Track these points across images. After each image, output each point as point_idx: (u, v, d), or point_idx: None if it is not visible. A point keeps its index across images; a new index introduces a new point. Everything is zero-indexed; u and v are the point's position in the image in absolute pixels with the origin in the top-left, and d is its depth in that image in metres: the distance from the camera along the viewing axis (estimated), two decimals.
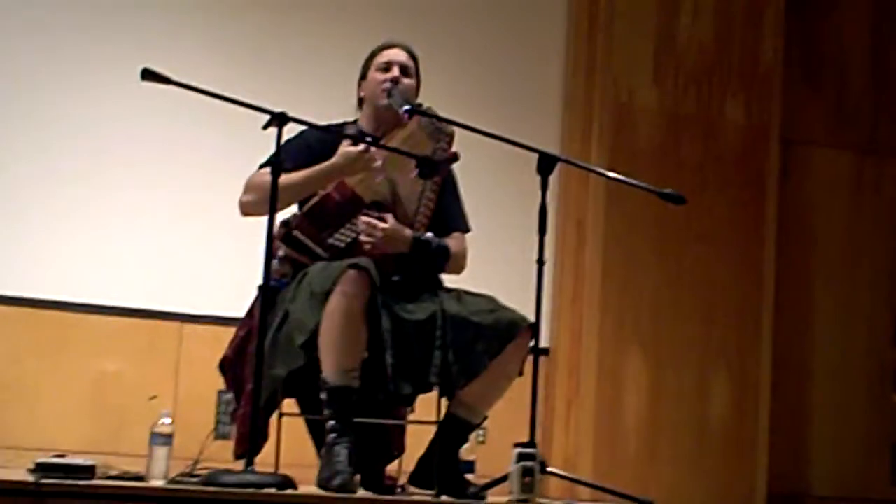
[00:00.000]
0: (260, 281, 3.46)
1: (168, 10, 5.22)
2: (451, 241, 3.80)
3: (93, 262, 4.98)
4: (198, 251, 5.08)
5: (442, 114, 3.72)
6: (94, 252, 4.99)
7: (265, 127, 3.43)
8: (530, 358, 3.60)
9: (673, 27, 5.75)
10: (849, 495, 5.84)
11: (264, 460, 3.43)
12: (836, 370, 5.93)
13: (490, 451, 4.54)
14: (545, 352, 5.31)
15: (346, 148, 3.64)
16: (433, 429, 3.66)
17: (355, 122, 3.88)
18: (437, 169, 3.66)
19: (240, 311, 3.77)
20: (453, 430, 3.62)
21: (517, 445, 3.46)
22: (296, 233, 3.64)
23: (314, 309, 3.41)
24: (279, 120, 3.41)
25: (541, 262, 3.61)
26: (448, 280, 3.80)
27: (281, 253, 3.64)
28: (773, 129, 5.85)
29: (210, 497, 3.03)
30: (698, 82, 5.77)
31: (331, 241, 3.64)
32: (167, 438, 3.38)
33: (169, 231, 5.08)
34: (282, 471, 3.40)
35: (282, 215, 3.61)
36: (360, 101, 3.89)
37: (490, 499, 3.60)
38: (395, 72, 3.80)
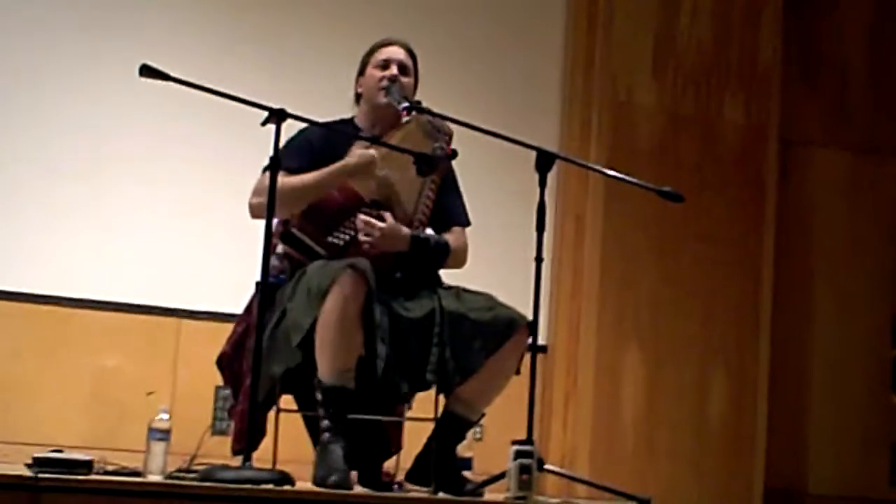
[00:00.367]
0: (258, 277, 3.47)
1: (167, 8, 5.22)
2: (451, 237, 3.80)
3: (92, 258, 4.98)
4: (196, 247, 5.08)
5: (441, 112, 3.72)
6: (92, 248, 4.99)
7: (264, 123, 3.43)
8: (528, 356, 3.60)
9: (672, 26, 5.76)
10: (847, 494, 5.84)
11: (262, 456, 3.44)
12: (835, 368, 5.93)
13: (487, 449, 4.54)
14: (543, 349, 5.31)
15: (362, 150, 3.64)
16: (431, 426, 3.67)
17: (352, 119, 3.88)
18: (436, 167, 3.66)
19: (238, 308, 3.78)
20: (451, 427, 3.63)
21: (515, 443, 3.46)
22: (294, 231, 3.64)
23: (311, 308, 3.41)
24: (278, 116, 3.41)
25: (539, 259, 3.61)
26: (447, 277, 3.80)
27: (279, 250, 3.65)
28: (772, 128, 5.86)
29: (208, 493, 3.03)
30: (697, 82, 5.77)
31: (329, 239, 3.64)
32: (165, 434, 3.38)
33: (167, 227, 5.08)
34: (279, 467, 3.41)
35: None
36: (358, 98, 3.88)
37: (487, 496, 3.60)
38: (394, 69, 3.80)
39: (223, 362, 3.71)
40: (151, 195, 5.07)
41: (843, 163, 6.11)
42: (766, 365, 5.68)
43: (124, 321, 4.98)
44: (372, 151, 3.63)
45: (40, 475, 2.92)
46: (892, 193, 6.15)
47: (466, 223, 3.89)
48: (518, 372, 3.62)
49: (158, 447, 3.37)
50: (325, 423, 3.40)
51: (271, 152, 3.42)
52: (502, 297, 3.68)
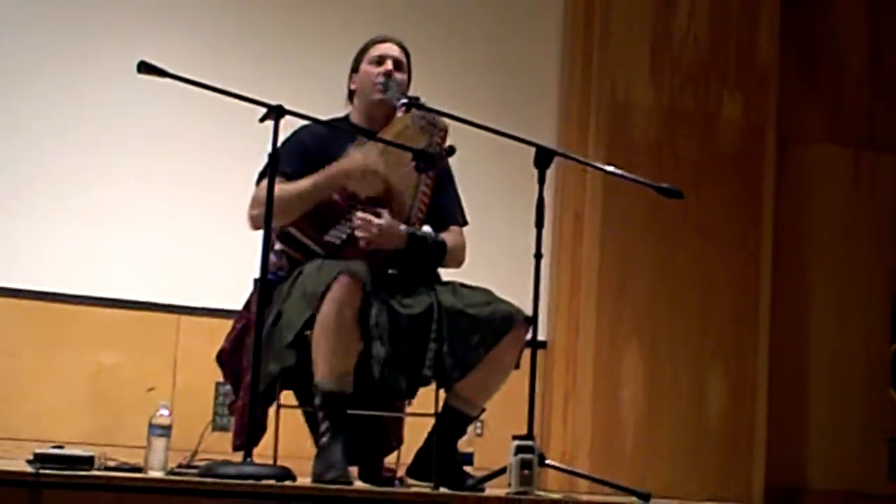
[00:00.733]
0: (257, 274, 3.47)
1: (164, 4, 5.22)
2: (448, 236, 3.80)
3: (91, 255, 4.98)
4: (195, 244, 5.08)
5: (439, 108, 3.72)
6: (91, 245, 4.99)
7: (262, 120, 3.43)
8: (527, 351, 3.61)
9: (669, 24, 5.76)
10: (847, 489, 5.84)
11: (263, 452, 3.44)
12: (834, 365, 5.93)
13: (488, 444, 4.55)
14: (543, 345, 5.31)
15: (362, 156, 3.62)
16: (431, 421, 3.67)
17: (346, 117, 3.87)
18: (434, 162, 3.66)
19: (237, 304, 3.78)
20: (451, 423, 3.63)
21: (515, 438, 3.46)
22: (291, 229, 3.64)
23: (304, 308, 3.41)
24: (276, 113, 3.41)
25: (538, 255, 3.62)
26: (445, 273, 3.81)
27: (278, 247, 3.65)
28: (770, 125, 5.86)
29: (208, 488, 3.02)
30: (695, 79, 5.77)
31: (326, 237, 3.63)
32: (165, 430, 3.38)
33: (166, 224, 5.08)
34: (280, 462, 3.41)
35: None
36: (351, 94, 3.87)
37: (488, 491, 3.59)
38: (389, 65, 3.79)
39: (223, 358, 3.71)
40: (150, 192, 5.07)
41: (840, 159, 6.11)
42: (764, 361, 5.68)
43: (124, 318, 4.98)
44: (373, 157, 3.62)
45: (41, 471, 2.91)
46: (890, 189, 6.15)
47: (464, 222, 3.88)
48: (517, 367, 3.63)
49: (159, 443, 3.37)
50: (325, 426, 3.40)
51: (269, 149, 3.42)
52: (501, 294, 3.68)
